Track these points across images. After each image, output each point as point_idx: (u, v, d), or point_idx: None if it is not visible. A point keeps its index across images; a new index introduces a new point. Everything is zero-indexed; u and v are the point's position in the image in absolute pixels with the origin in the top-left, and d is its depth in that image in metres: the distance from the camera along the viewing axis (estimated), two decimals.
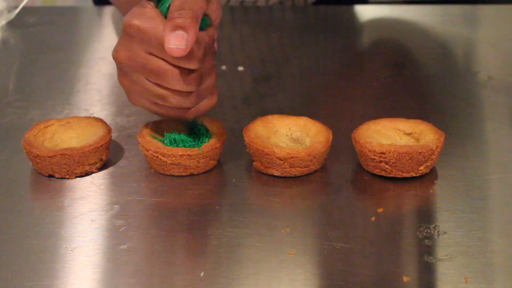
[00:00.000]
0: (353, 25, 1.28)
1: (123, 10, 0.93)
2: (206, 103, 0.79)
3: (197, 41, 0.73)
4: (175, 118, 0.80)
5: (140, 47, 0.74)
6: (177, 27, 0.71)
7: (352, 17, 1.29)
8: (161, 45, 0.72)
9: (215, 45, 0.79)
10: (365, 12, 1.32)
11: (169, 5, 0.73)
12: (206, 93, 0.78)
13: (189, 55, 0.72)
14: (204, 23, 0.75)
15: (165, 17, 0.73)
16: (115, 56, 0.76)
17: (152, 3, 0.75)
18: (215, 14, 0.77)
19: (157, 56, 0.74)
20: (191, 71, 0.74)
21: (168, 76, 0.74)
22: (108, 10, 1.27)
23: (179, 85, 0.74)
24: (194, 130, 0.82)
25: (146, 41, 0.73)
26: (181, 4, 0.72)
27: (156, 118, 0.84)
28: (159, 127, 0.83)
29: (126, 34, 0.75)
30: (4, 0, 1.23)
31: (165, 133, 0.82)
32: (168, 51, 0.71)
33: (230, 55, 1.13)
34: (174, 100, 0.76)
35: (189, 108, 0.77)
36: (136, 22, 0.73)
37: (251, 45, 1.18)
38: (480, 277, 0.66)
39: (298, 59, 1.12)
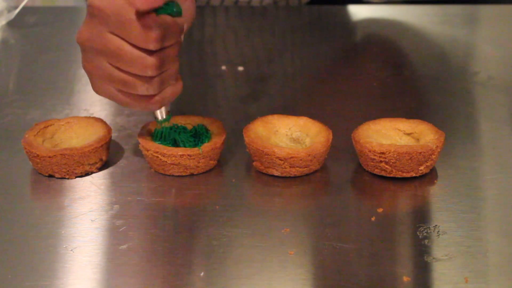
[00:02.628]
0: (353, 25, 1.28)
1: None
2: (170, 91, 0.77)
3: (158, 22, 0.72)
4: (140, 109, 0.78)
5: (102, 27, 0.73)
6: None
7: (351, 17, 1.30)
8: (120, 21, 0.72)
9: (181, 37, 0.77)
10: (364, 12, 1.32)
11: None
12: (169, 79, 0.76)
13: (147, 34, 0.72)
14: (171, 9, 0.74)
15: None
16: (77, 37, 0.75)
17: None
18: (185, 6, 0.77)
19: (118, 36, 0.73)
20: (150, 53, 0.73)
21: (128, 57, 0.73)
22: None
23: (137, 67, 0.73)
24: (194, 130, 0.83)
25: (107, 20, 0.73)
26: None
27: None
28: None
29: (89, 14, 0.74)
30: (4, 0, 1.23)
31: (155, 128, 0.82)
32: None
33: (229, 56, 1.13)
34: (136, 85, 0.75)
35: (152, 96, 0.76)
36: (97, 2, 0.73)
37: (249, 45, 1.18)
38: (480, 277, 0.66)
39: (296, 59, 1.13)
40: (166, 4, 0.73)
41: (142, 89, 0.75)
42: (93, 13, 0.73)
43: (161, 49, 0.74)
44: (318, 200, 0.78)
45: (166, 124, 0.81)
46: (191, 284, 0.65)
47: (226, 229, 0.72)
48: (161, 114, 0.80)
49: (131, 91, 0.75)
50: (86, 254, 0.69)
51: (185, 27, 0.77)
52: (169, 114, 0.81)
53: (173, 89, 0.78)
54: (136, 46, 0.73)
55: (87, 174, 0.81)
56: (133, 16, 0.71)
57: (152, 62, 0.73)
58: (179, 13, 0.75)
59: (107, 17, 0.73)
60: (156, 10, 0.72)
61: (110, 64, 0.74)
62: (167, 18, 0.73)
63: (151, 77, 0.74)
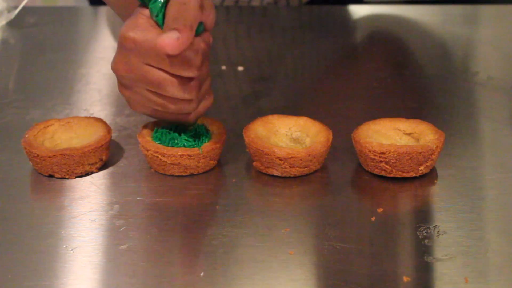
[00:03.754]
0: (353, 25, 1.28)
1: (117, 10, 0.93)
2: (204, 105, 0.80)
3: (194, 49, 0.74)
4: (176, 122, 0.81)
5: (138, 59, 0.74)
6: (171, 31, 0.72)
7: (352, 17, 1.30)
8: (158, 55, 0.73)
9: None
10: (365, 12, 1.32)
11: (163, 14, 0.74)
12: (205, 95, 0.79)
13: (187, 63, 0.73)
14: (199, 30, 0.75)
15: (161, 27, 0.74)
16: (114, 69, 0.76)
17: (146, 12, 0.75)
18: (209, 19, 0.77)
19: (155, 67, 0.74)
20: (190, 79, 0.75)
21: (168, 85, 0.74)
22: (107, 11, 1.27)
23: (179, 93, 0.75)
24: (194, 130, 0.83)
25: (143, 52, 0.74)
26: (176, 14, 0.73)
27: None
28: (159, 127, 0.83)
29: (122, 46, 0.75)
30: (4, 0, 1.23)
31: (155, 128, 0.82)
32: (160, 45, 0.71)
33: (229, 56, 1.13)
34: (175, 107, 0.77)
35: (190, 113, 0.79)
36: (131, 34, 0.74)
37: (249, 45, 1.18)
38: (480, 277, 0.66)
39: (297, 59, 1.13)
40: None
41: (181, 109, 0.77)
42: (127, 46, 0.74)
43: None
44: (318, 200, 0.78)
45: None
46: (191, 284, 0.65)
47: (226, 229, 0.72)
48: None
49: (170, 111, 0.77)
50: (86, 254, 0.69)
51: (211, 40, 0.78)
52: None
53: (206, 103, 0.80)
54: (176, 75, 0.74)
55: (87, 174, 0.81)
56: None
57: (193, 87, 0.75)
58: (204, 30, 0.76)
59: (143, 50, 0.73)
60: None
61: (149, 90, 0.76)
62: (199, 42, 0.75)
63: (190, 99, 0.76)
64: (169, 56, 0.72)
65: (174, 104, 0.76)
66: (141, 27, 0.74)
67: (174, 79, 0.74)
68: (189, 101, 0.77)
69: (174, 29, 0.71)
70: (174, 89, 0.75)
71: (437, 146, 0.79)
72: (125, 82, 0.77)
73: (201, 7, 0.75)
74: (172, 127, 0.83)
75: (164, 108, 0.77)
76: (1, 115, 0.94)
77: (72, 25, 1.25)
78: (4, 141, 0.88)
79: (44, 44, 1.18)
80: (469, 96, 1.01)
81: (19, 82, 1.06)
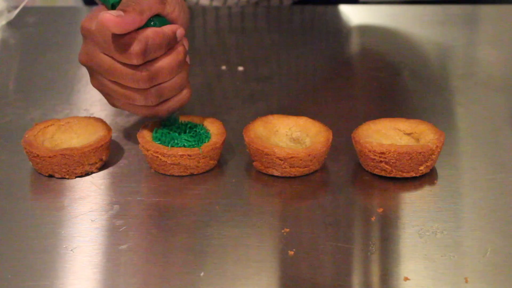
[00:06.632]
0: (353, 25, 1.28)
1: None
2: (177, 100, 0.80)
3: (140, 36, 0.74)
4: (151, 117, 0.81)
5: (95, 48, 0.76)
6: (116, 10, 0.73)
7: (352, 17, 1.30)
8: (106, 41, 0.74)
9: (185, 42, 0.79)
10: (365, 12, 1.32)
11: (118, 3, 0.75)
12: (170, 91, 0.78)
13: (127, 49, 0.73)
14: (159, 22, 0.76)
15: None
16: (79, 60, 0.79)
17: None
18: (174, 14, 0.78)
19: (106, 54, 0.75)
20: (139, 67, 0.75)
21: (118, 73, 0.75)
22: None
23: (129, 82, 0.75)
24: (194, 130, 0.83)
25: (97, 41, 0.75)
26: (129, 1, 0.74)
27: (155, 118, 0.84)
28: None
29: (83, 37, 0.78)
30: (4, 0, 1.23)
31: (155, 128, 0.83)
32: (100, 20, 0.72)
33: (229, 56, 1.13)
34: (135, 98, 0.77)
35: (155, 106, 0.78)
36: (86, 24, 0.76)
37: (250, 45, 1.18)
38: (480, 277, 0.66)
39: (297, 59, 1.13)
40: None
41: (141, 101, 0.77)
42: (85, 35, 0.77)
43: (151, 61, 0.75)
44: (318, 200, 0.78)
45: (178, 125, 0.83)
46: (191, 284, 0.65)
47: (226, 229, 0.72)
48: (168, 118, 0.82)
49: (133, 103, 0.78)
50: (86, 254, 0.69)
51: (179, 33, 0.77)
52: (177, 117, 0.83)
53: (180, 97, 0.80)
54: (123, 63, 0.75)
55: (87, 174, 0.81)
56: (112, 36, 0.74)
57: (141, 76, 0.75)
58: (162, 23, 0.76)
59: (95, 38, 0.75)
60: None
61: (109, 80, 0.77)
62: (147, 31, 0.74)
63: (147, 89, 0.76)
64: (114, 41, 0.73)
65: (134, 94, 0.77)
66: (95, 16, 0.75)
67: (122, 67, 0.75)
68: (146, 91, 0.76)
69: (121, 9, 0.73)
70: (123, 76, 0.75)
71: (437, 146, 0.79)
72: (91, 74, 0.79)
73: (163, 0, 0.76)
74: (173, 127, 0.83)
75: (129, 99, 0.77)
76: (1, 115, 0.94)
77: (72, 25, 1.25)
78: (4, 141, 0.88)
79: (44, 44, 1.18)
80: (469, 96, 1.01)
81: (19, 82, 1.06)
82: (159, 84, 0.77)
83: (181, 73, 0.78)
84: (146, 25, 0.75)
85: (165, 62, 0.76)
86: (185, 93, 0.80)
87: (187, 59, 0.79)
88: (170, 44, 0.76)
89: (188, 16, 0.82)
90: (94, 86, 0.80)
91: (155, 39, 0.75)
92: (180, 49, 0.77)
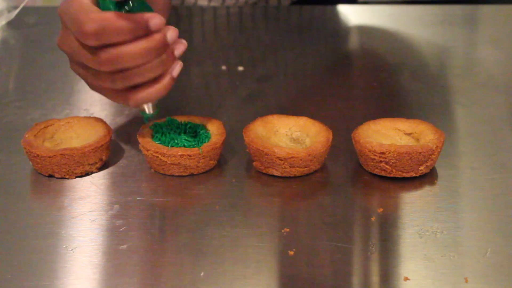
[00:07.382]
0: (353, 25, 1.28)
1: None
2: (153, 88, 0.76)
3: (95, 18, 0.73)
4: (124, 104, 0.78)
5: (67, 30, 0.77)
6: None
7: (351, 17, 1.30)
8: (72, 23, 0.74)
9: (172, 33, 0.75)
10: (365, 12, 1.32)
11: None
12: (139, 77, 0.75)
13: (84, 30, 0.73)
14: (138, 5, 0.76)
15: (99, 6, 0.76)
16: (57, 45, 0.80)
17: None
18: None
19: (76, 38, 0.76)
20: (100, 50, 0.74)
21: (82, 54, 0.76)
22: None
23: (92, 63, 0.75)
24: (194, 130, 0.83)
25: (67, 23, 0.76)
26: None
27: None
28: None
29: (60, 21, 0.78)
30: (4, 0, 1.23)
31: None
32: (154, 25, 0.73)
33: (229, 56, 1.13)
34: (104, 80, 0.76)
35: (127, 91, 0.76)
36: (60, 8, 0.77)
37: (250, 45, 1.18)
38: (480, 277, 0.66)
39: (297, 59, 1.13)
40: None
41: (108, 83, 0.76)
42: (61, 20, 0.77)
43: (115, 45, 0.74)
44: (318, 200, 0.78)
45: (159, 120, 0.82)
46: (191, 284, 0.65)
47: (226, 229, 0.72)
48: (148, 109, 0.79)
49: (104, 87, 0.77)
50: (86, 254, 0.69)
51: (154, 22, 0.74)
52: (157, 109, 0.80)
53: (158, 87, 0.76)
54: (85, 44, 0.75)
55: (87, 174, 0.81)
56: (74, 16, 0.74)
57: (101, 58, 0.74)
58: (141, 6, 0.76)
59: (66, 21, 0.76)
60: (119, 8, 0.75)
61: (81, 64, 0.78)
62: (107, 14, 0.73)
63: (115, 73, 0.75)
64: (75, 22, 0.74)
65: (101, 76, 0.76)
66: (68, 1, 0.76)
67: (84, 49, 0.75)
68: (111, 75, 0.75)
69: None
70: (87, 59, 0.75)
71: (437, 146, 0.79)
72: (69, 58, 0.80)
73: None
74: (173, 127, 0.83)
75: (98, 81, 0.77)
76: (1, 115, 0.94)
77: None
78: (4, 141, 0.88)
79: (44, 44, 1.18)
80: (469, 96, 1.01)
81: (19, 82, 1.06)
82: (128, 69, 0.74)
83: (157, 61, 0.75)
84: (124, 7, 0.75)
85: (130, 47, 0.73)
86: (161, 85, 0.76)
87: (176, 52, 0.77)
88: (138, 30, 0.73)
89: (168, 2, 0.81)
90: (72, 69, 0.80)
91: (114, 23, 0.73)
92: (156, 37, 0.74)
